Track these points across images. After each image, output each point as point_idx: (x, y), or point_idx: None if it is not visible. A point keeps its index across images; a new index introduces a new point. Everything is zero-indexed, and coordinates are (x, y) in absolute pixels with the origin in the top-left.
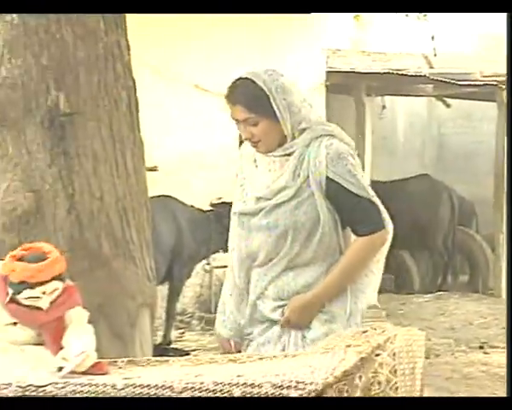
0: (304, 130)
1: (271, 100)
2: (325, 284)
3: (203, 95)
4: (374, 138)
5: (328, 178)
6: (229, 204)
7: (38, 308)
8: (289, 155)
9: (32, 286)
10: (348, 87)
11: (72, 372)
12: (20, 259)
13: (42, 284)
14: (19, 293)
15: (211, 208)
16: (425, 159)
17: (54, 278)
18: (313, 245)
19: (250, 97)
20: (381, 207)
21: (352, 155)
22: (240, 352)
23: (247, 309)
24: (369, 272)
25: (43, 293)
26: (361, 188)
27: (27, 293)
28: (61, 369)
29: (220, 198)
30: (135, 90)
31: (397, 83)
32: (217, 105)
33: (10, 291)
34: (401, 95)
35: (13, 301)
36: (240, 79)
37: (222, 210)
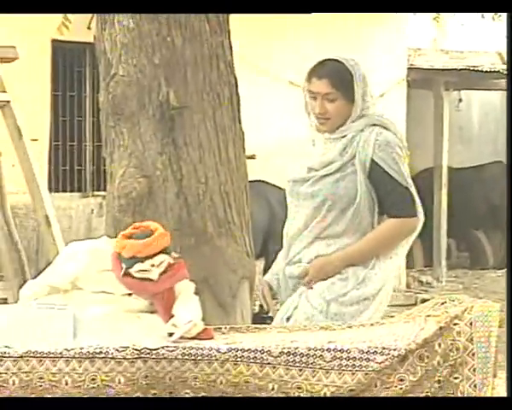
0: (362, 116)
1: (355, 83)
2: (349, 250)
3: (297, 90)
4: (451, 129)
5: (372, 160)
6: None
7: (150, 280)
8: (344, 136)
9: (142, 260)
10: (428, 82)
11: (182, 337)
12: (130, 237)
13: (150, 257)
14: (131, 267)
15: None
16: (498, 146)
17: (160, 252)
18: (346, 219)
19: (338, 75)
20: (417, 198)
21: (400, 146)
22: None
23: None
24: (393, 254)
25: (152, 266)
26: (401, 175)
27: (138, 266)
28: (171, 335)
29: None
30: (236, 86)
31: (472, 78)
32: None
33: (124, 266)
34: (476, 89)
35: (127, 274)
36: (328, 59)
37: None
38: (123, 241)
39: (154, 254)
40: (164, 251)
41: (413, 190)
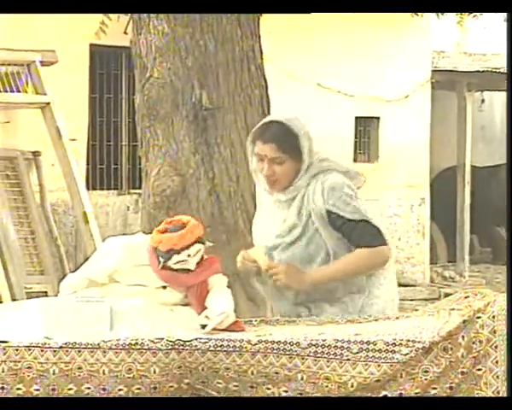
0: (306, 170)
1: (300, 143)
2: (318, 272)
3: (325, 91)
4: (473, 128)
5: (327, 210)
6: None
7: (186, 272)
8: (295, 198)
9: (179, 252)
10: (451, 84)
11: (214, 329)
12: (164, 231)
13: (186, 248)
14: (169, 259)
15: None
16: None
17: (195, 242)
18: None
19: (283, 138)
20: (380, 228)
21: (348, 184)
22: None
23: None
24: (378, 284)
25: (189, 256)
26: (357, 212)
27: (176, 258)
28: (204, 326)
29: None
30: (266, 88)
31: (494, 79)
32: (335, 101)
33: (161, 260)
34: (499, 90)
35: (164, 267)
36: (272, 121)
37: None
38: (158, 236)
39: (190, 245)
40: (198, 241)
41: (374, 221)
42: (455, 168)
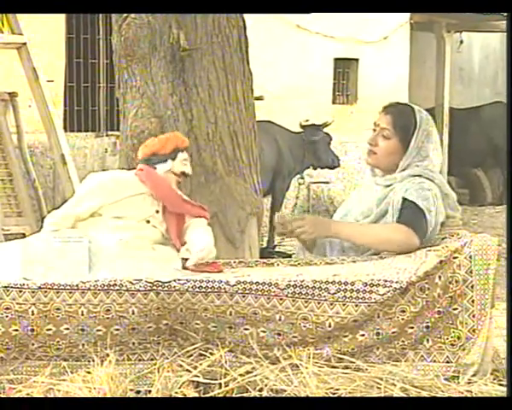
0: (409, 166)
1: (415, 132)
2: (346, 223)
3: (303, 33)
4: (452, 70)
5: (402, 197)
6: (317, 125)
7: (185, 176)
8: (388, 186)
9: (183, 150)
10: (430, 25)
11: (194, 269)
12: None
13: (186, 149)
14: (175, 158)
15: (302, 130)
16: (498, 87)
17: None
18: None
19: (401, 117)
20: (430, 226)
21: (436, 194)
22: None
23: None
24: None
25: (185, 160)
26: (424, 200)
27: (181, 156)
28: (185, 261)
29: (307, 120)
30: (245, 28)
31: (473, 20)
32: (313, 42)
33: (163, 164)
34: (477, 31)
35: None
36: (406, 103)
37: (311, 130)
38: (158, 138)
39: (186, 149)
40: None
41: (429, 215)
42: (433, 110)
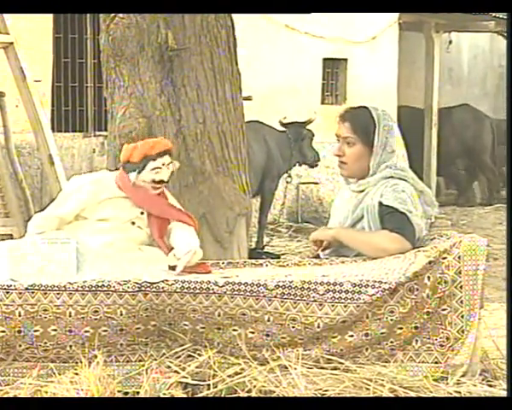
0: (380, 170)
1: (376, 131)
2: (348, 230)
3: (292, 33)
4: (441, 70)
5: (378, 202)
6: (300, 123)
7: (159, 187)
8: (362, 191)
9: (154, 158)
10: (419, 25)
11: (183, 270)
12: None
13: (159, 155)
14: (144, 168)
15: (285, 128)
16: (487, 87)
17: (166, 152)
18: None
19: (359, 120)
20: (417, 227)
21: (412, 194)
22: None
23: None
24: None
25: (163, 164)
26: (402, 204)
27: (151, 165)
28: (173, 268)
29: (285, 117)
30: (233, 28)
31: (462, 20)
32: (302, 42)
33: (136, 171)
34: (466, 31)
35: (136, 185)
36: (359, 106)
37: (295, 128)
38: (131, 146)
39: (162, 153)
40: (168, 152)
41: (413, 219)
42: (422, 110)
